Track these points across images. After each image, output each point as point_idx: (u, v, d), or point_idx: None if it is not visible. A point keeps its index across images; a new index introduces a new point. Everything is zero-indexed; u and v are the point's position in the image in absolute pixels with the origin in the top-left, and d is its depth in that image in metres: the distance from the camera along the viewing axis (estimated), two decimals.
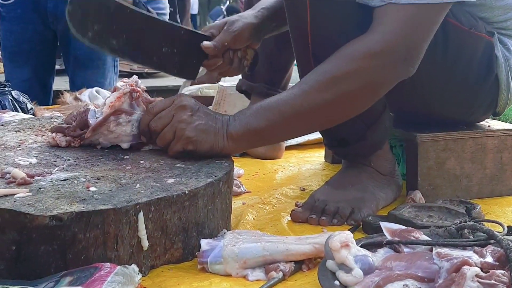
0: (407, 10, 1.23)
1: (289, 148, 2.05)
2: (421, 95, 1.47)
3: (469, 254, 0.95)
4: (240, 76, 1.97)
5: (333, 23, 1.31)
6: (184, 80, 2.86)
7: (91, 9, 1.32)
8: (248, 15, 1.55)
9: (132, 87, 1.30)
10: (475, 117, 1.59)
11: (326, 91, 1.24)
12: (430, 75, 1.42)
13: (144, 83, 3.97)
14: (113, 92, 1.32)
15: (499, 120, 1.74)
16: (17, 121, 1.58)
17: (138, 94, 1.31)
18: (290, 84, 1.94)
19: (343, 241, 0.98)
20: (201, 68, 2.11)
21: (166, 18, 5.23)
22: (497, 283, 0.84)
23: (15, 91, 2.22)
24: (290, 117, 1.26)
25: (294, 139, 2.10)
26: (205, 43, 1.47)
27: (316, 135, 2.10)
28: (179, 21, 5.50)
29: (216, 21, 1.50)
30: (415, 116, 1.56)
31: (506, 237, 1.02)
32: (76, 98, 2.50)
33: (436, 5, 1.25)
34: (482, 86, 1.49)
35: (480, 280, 0.85)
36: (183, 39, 1.43)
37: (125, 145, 1.31)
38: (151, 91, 3.14)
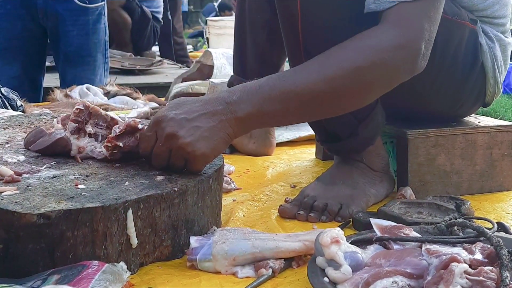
0: (421, 5, 1.22)
1: (280, 145, 2.05)
2: (411, 88, 1.47)
3: (458, 250, 0.95)
4: (232, 72, 1.97)
5: (324, 18, 1.30)
6: (175, 77, 2.86)
7: None
8: None
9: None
10: (465, 109, 1.59)
11: (349, 79, 1.20)
12: None
13: (135, 80, 3.96)
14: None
15: (490, 116, 1.74)
16: (6, 118, 1.57)
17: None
18: None
19: (334, 237, 0.98)
20: (192, 65, 2.08)
21: (160, 16, 5.23)
22: (486, 279, 0.84)
23: (5, 88, 2.20)
24: (308, 102, 1.20)
25: (286, 136, 2.11)
26: None
27: (307, 132, 2.11)
28: (170, 18, 5.48)
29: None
30: (406, 110, 1.56)
31: (496, 233, 1.02)
32: (67, 95, 2.49)
33: None
34: (469, 74, 1.50)
35: (468, 276, 0.85)
36: None
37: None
38: (143, 88, 3.14)
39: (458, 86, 1.50)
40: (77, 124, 1.25)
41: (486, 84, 1.53)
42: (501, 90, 1.59)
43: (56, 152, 1.25)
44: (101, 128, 1.27)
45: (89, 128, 1.26)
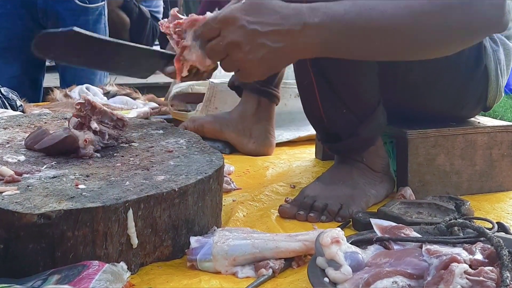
0: None
1: (279, 145, 2.05)
2: (413, 88, 1.47)
3: (458, 251, 0.95)
4: (232, 73, 1.97)
5: None
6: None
7: (52, 40, 1.38)
8: None
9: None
10: (467, 111, 1.59)
11: (436, 16, 1.14)
12: (423, 67, 1.42)
13: (135, 80, 3.93)
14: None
15: (489, 116, 1.74)
16: (6, 118, 1.57)
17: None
18: (284, 81, 1.96)
19: (334, 237, 0.98)
20: None
21: (160, 16, 5.23)
22: (486, 279, 0.84)
23: (4, 87, 2.20)
24: (391, 36, 1.15)
25: (285, 136, 2.11)
26: None
27: (307, 132, 2.11)
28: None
29: None
30: (407, 111, 1.56)
31: (496, 234, 1.02)
32: (66, 95, 2.49)
33: None
34: (472, 77, 1.50)
35: (468, 277, 0.85)
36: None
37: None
38: (142, 87, 3.14)
39: (460, 87, 1.50)
40: (79, 119, 1.25)
41: (488, 87, 1.53)
42: (503, 94, 1.59)
43: (62, 150, 1.24)
44: (107, 127, 1.27)
45: (94, 125, 1.25)
